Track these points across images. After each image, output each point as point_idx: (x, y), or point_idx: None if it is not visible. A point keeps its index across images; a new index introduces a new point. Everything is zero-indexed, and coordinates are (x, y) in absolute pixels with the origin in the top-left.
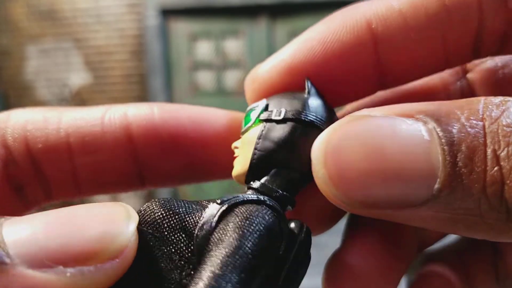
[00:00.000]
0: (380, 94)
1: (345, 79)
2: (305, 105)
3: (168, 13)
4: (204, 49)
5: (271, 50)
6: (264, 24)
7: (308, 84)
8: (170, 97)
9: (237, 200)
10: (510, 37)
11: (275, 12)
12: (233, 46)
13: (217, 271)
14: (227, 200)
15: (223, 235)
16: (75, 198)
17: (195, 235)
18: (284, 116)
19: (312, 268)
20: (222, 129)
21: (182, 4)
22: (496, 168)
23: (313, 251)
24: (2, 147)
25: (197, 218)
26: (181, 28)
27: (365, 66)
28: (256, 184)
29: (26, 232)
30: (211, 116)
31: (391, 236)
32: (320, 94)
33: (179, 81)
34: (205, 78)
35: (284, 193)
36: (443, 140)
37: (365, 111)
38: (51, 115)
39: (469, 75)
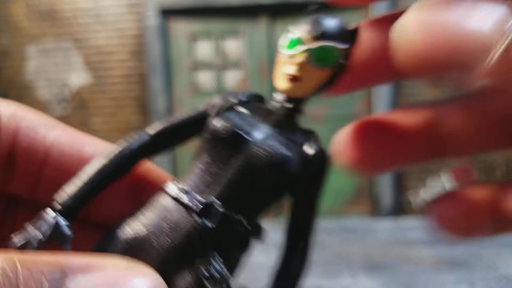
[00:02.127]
0: None
1: None
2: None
3: (168, 13)
4: (204, 49)
5: (270, 50)
6: (264, 24)
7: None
8: (170, 97)
9: (321, 147)
10: None
11: (275, 12)
12: (233, 46)
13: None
14: (317, 147)
15: (317, 180)
16: (24, 198)
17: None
18: None
19: (312, 268)
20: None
21: (182, 4)
22: None
23: (313, 251)
24: None
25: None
26: (181, 28)
27: None
28: (298, 108)
29: None
30: None
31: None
32: None
33: (179, 81)
34: (205, 78)
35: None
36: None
37: None
38: (44, 123)
39: None
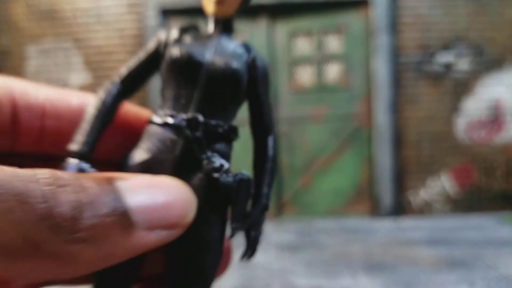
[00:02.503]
0: None
1: None
2: None
3: (168, 13)
4: None
5: (271, 50)
6: (264, 24)
7: None
8: None
9: (258, 53)
10: None
11: (275, 12)
12: None
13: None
14: (255, 54)
15: (265, 79)
16: (33, 152)
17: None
18: None
19: (312, 268)
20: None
21: (182, 4)
22: None
23: (313, 251)
24: None
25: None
26: None
27: None
28: (230, 25)
29: (146, 204)
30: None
31: None
32: None
33: None
34: None
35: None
36: None
37: None
38: (32, 86)
39: None
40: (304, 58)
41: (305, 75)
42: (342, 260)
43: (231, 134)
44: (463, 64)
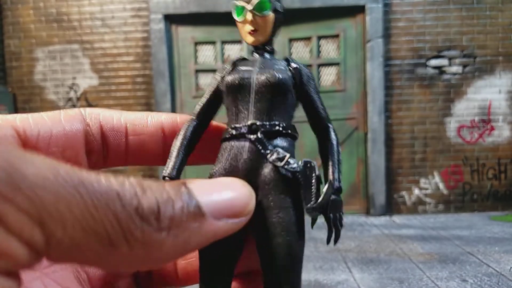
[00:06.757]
0: None
1: None
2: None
3: (172, 18)
4: (208, 53)
5: None
6: None
7: None
8: (173, 99)
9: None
10: None
11: None
12: (234, 51)
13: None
14: (296, 62)
15: (310, 81)
16: (121, 166)
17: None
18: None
19: (310, 262)
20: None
21: (186, 9)
22: None
23: (309, 247)
24: (85, 125)
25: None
26: (185, 33)
27: None
28: (269, 48)
29: (212, 199)
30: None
31: None
32: None
33: (183, 84)
34: (208, 81)
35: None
36: None
37: None
38: (114, 111)
39: None
40: (302, 63)
41: None
42: (338, 256)
43: (288, 130)
44: (455, 68)
